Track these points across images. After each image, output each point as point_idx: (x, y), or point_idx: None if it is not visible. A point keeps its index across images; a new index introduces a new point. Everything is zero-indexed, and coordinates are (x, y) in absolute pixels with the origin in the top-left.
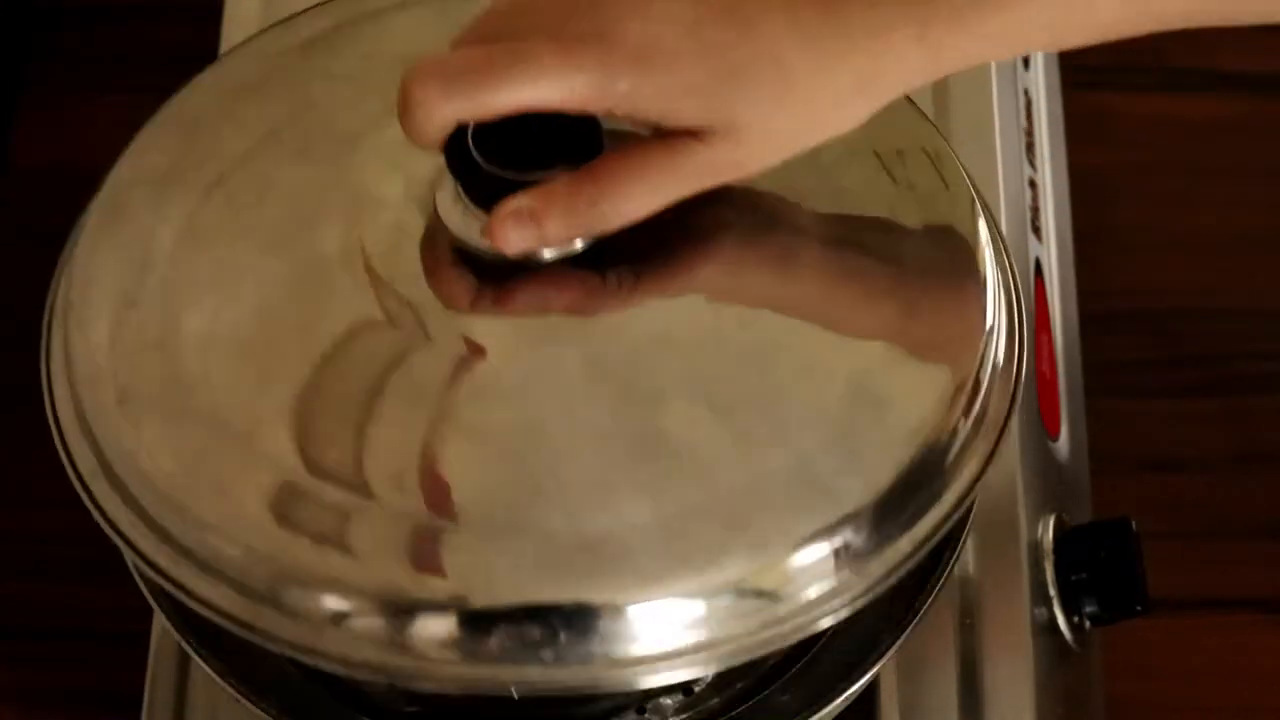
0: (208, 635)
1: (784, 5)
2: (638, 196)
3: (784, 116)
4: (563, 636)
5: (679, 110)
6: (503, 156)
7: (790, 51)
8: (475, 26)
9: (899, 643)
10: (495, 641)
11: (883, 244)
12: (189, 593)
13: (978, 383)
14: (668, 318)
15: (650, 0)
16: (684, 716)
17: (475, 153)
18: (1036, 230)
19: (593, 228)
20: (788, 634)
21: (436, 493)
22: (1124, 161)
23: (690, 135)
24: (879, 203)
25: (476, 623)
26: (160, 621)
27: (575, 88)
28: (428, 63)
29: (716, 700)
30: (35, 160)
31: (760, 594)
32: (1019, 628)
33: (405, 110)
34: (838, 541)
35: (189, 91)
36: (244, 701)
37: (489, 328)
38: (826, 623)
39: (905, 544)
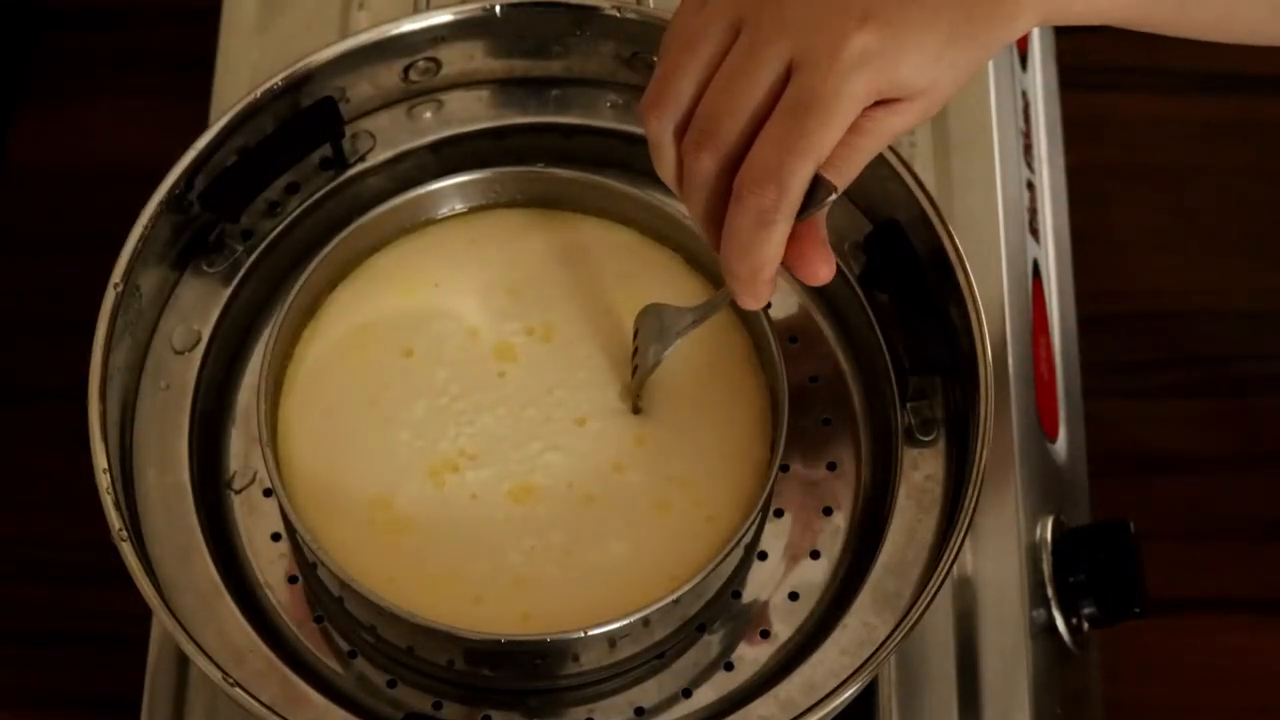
0: None
1: None
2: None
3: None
4: None
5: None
6: None
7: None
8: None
9: (899, 642)
10: None
11: None
12: None
13: None
14: None
15: None
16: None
17: None
18: (1034, 232)
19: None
20: None
21: None
22: (1122, 162)
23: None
24: None
25: None
26: (160, 625)
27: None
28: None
29: (716, 701)
30: (35, 160)
31: None
32: (1017, 629)
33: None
34: None
35: None
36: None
37: None
38: None
39: None
